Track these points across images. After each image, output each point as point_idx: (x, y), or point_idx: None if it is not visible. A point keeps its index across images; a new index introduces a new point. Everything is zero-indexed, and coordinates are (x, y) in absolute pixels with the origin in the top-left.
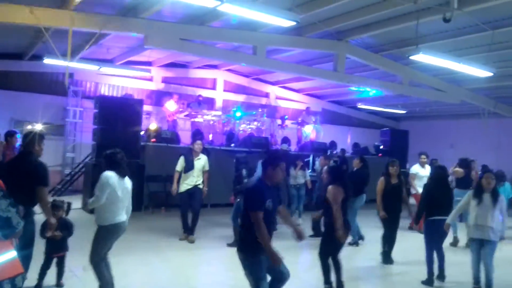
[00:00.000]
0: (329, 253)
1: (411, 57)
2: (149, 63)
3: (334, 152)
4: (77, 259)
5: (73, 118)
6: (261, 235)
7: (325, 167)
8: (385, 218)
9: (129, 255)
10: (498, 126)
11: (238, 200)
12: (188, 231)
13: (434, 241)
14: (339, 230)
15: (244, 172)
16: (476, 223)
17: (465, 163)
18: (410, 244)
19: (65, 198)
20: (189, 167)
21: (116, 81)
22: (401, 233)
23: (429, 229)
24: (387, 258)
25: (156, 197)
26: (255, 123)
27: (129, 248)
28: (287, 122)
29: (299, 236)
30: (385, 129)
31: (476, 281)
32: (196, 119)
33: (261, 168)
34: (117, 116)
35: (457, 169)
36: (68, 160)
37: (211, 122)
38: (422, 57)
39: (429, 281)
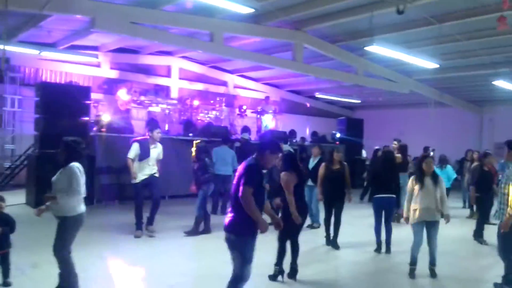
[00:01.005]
0: (287, 235)
1: (366, 48)
2: (96, 48)
3: (294, 140)
4: (25, 257)
5: (11, 107)
6: (251, 209)
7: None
8: (324, 201)
9: (83, 249)
10: (443, 115)
11: (205, 189)
12: (146, 223)
13: (380, 216)
14: (294, 213)
15: (207, 160)
16: (422, 206)
17: (403, 149)
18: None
19: (6, 193)
20: (145, 154)
21: (59, 67)
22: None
23: (376, 205)
24: (332, 242)
25: (108, 189)
26: (214, 112)
27: (83, 242)
28: (247, 112)
29: (277, 225)
30: (341, 118)
31: (414, 262)
32: (151, 108)
33: (259, 151)
34: (62, 104)
35: (397, 155)
36: (7, 152)
37: (167, 111)
38: (376, 49)
39: (378, 249)
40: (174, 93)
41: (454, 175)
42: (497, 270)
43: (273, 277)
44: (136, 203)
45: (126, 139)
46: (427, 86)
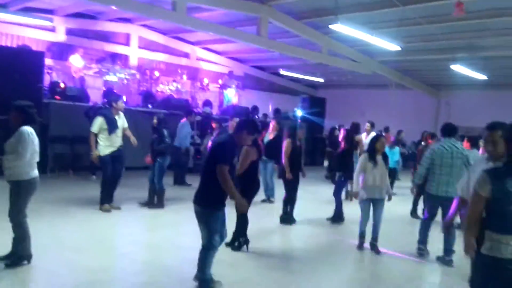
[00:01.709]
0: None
1: (330, 26)
2: (51, 11)
3: (256, 117)
4: None
5: None
6: (229, 187)
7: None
8: (291, 179)
9: (36, 218)
10: (403, 97)
11: (160, 160)
12: (109, 199)
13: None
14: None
15: (165, 132)
16: (374, 184)
17: (354, 128)
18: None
19: None
20: (113, 127)
21: (10, 30)
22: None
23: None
24: (290, 218)
25: (62, 159)
26: (175, 84)
27: (36, 211)
28: (209, 85)
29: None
30: (304, 96)
31: (363, 235)
32: (108, 77)
33: (237, 128)
34: (13, 69)
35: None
36: None
37: (125, 81)
38: (340, 27)
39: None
40: (133, 63)
41: (397, 157)
42: (440, 244)
43: (238, 248)
44: (106, 177)
45: (81, 108)
46: (389, 68)
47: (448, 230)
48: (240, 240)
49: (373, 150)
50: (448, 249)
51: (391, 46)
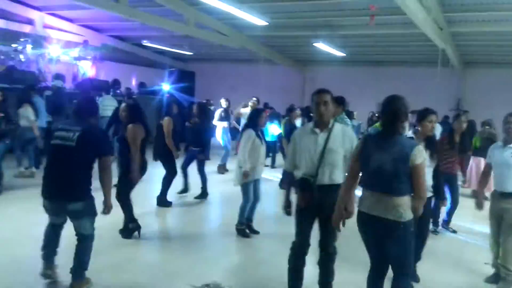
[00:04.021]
0: (128, 192)
1: None
2: None
3: (118, 91)
4: None
5: None
6: (110, 179)
7: (123, 105)
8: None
9: None
10: (272, 72)
11: (7, 142)
12: None
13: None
14: (135, 171)
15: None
16: (256, 165)
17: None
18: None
19: None
20: None
21: None
22: None
23: (189, 154)
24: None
25: None
26: (17, 54)
27: None
28: (61, 56)
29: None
30: (172, 69)
31: (250, 219)
32: None
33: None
34: None
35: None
36: None
37: None
38: None
39: (185, 190)
40: None
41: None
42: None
43: (129, 234)
44: None
45: None
46: (258, 43)
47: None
48: (130, 227)
49: (257, 124)
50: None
51: (259, 21)
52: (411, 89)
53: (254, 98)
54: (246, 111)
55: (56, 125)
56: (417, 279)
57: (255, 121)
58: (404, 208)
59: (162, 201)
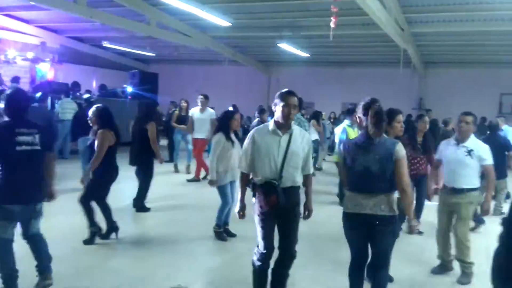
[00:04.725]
0: (95, 197)
1: None
2: None
3: (78, 94)
4: None
5: None
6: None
7: (92, 109)
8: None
9: None
10: (237, 73)
11: None
12: None
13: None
14: (86, 176)
15: None
16: (232, 166)
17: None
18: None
19: None
20: None
21: None
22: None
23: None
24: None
25: None
26: None
27: None
28: (17, 59)
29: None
30: (134, 71)
31: (226, 223)
32: None
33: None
34: None
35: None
36: None
37: None
38: None
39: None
40: None
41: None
42: None
43: (90, 240)
44: None
45: None
46: (222, 43)
47: None
48: (90, 231)
49: (228, 127)
50: None
51: (222, 21)
52: (374, 89)
53: (201, 96)
54: (194, 111)
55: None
56: (391, 279)
57: (226, 124)
58: (391, 203)
59: (141, 207)
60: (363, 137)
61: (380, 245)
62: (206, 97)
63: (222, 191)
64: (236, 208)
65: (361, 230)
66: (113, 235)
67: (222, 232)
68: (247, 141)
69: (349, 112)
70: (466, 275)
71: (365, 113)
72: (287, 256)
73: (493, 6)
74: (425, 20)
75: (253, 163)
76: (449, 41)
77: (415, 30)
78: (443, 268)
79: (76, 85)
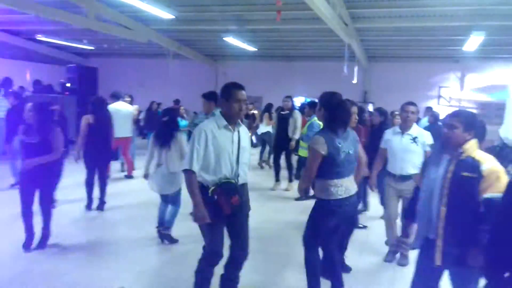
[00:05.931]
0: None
1: None
2: None
3: (10, 90)
4: None
5: None
6: None
7: (29, 105)
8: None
9: None
10: (182, 67)
11: None
12: None
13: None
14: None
15: None
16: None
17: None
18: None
19: None
20: None
21: None
22: None
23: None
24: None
25: None
26: None
27: None
28: None
29: None
30: (71, 65)
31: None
32: None
33: None
34: None
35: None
36: None
37: None
38: None
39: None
40: None
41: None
42: None
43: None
44: None
45: None
46: (166, 37)
47: None
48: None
49: (176, 124)
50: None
51: (164, 14)
52: (320, 83)
53: (127, 96)
54: (115, 106)
55: None
56: (348, 269)
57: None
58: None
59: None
60: (338, 128)
61: (354, 222)
62: (131, 96)
63: (178, 194)
64: (197, 213)
65: (346, 213)
66: None
67: (170, 234)
68: (196, 138)
69: (312, 106)
70: (405, 257)
71: (338, 108)
72: (243, 255)
73: (426, 3)
74: (367, 15)
75: (206, 162)
76: (390, 36)
77: (358, 25)
78: (394, 254)
79: (7, 81)
